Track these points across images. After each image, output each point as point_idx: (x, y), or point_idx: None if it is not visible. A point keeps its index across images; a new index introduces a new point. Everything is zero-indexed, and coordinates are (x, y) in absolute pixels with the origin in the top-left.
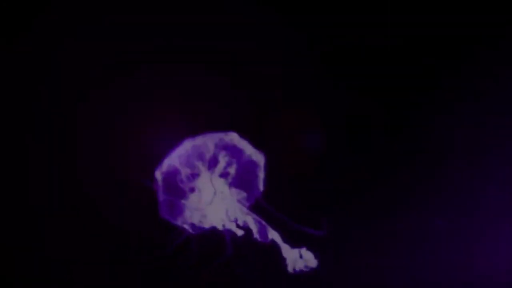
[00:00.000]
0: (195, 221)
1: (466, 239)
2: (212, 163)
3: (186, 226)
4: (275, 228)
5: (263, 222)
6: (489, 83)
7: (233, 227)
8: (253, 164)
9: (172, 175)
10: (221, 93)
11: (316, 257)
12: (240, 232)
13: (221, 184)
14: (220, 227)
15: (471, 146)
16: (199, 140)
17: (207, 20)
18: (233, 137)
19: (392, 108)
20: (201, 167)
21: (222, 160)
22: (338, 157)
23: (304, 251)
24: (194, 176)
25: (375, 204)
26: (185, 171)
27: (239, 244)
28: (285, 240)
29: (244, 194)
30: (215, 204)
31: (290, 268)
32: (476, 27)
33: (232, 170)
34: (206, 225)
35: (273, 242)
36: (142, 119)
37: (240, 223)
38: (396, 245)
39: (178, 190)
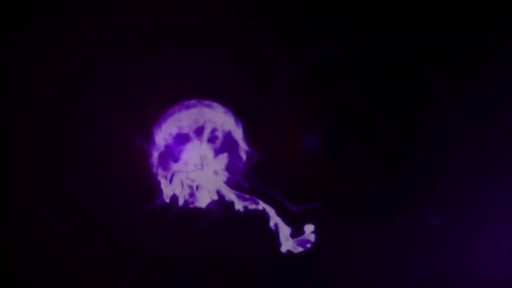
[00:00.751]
0: (182, 188)
1: (465, 239)
2: (198, 130)
3: (172, 190)
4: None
5: (247, 196)
6: (489, 83)
7: (219, 197)
8: (233, 138)
9: (162, 139)
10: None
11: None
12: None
13: (208, 151)
14: (206, 197)
15: (471, 147)
16: (188, 105)
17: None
18: (216, 108)
19: (392, 108)
20: (190, 133)
21: (208, 126)
22: (337, 157)
23: (307, 227)
24: (183, 141)
25: (374, 204)
26: (174, 136)
27: (226, 216)
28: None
29: (227, 163)
30: (202, 171)
31: (284, 247)
32: (474, 26)
33: (219, 134)
34: (193, 192)
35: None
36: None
37: (225, 195)
38: (395, 246)
39: (167, 153)
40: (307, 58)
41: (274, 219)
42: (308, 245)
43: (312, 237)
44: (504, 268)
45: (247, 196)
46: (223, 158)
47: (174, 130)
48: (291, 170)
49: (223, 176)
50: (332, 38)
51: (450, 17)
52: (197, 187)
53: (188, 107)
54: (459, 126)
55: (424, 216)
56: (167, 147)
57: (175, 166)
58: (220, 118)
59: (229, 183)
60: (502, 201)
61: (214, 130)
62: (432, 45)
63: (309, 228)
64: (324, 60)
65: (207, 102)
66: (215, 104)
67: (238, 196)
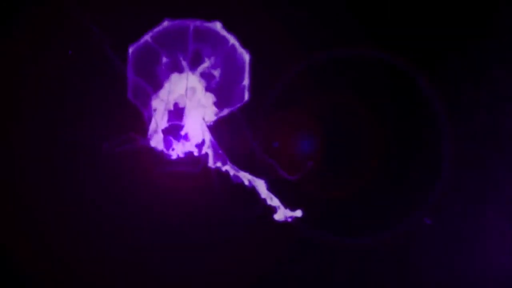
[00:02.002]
0: (160, 113)
1: (466, 239)
2: (194, 59)
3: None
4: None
5: (220, 152)
6: (488, 83)
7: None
8: (237, 61)
9: (147, 55)
10: None
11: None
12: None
13: (197, 83)
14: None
15: (470, 147)
16: (179, 22)
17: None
18: (217, 26)
19: (391, 109)
20: (181, 59)
21: (207, 60)
22: (336, 159)
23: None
24: (171, 64)
25: (373, 204)
26: (162, 56)
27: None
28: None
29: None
30: (184, 102)
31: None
32: (473, 26)
33: (216, 73)
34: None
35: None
36: None
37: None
38: (393, 246)
39: (150, 73)
40: (307, 60)
41: (246, 177)
42: (288, 220)
43: (291, 216)
44: (505, 268)
45: (221, 152)
46: (218, 92)
47: (160, 54)
48: (289, 170)
49: (210, 114)
50: (332, 40)
51: (450, 17)
52: (180, 123)
53: (178, 23)
54: (458, 127)
55: (422, 216)
56: (148, 71)
57: (157, 95)
58: (220, 38)
59: (214, 128)
60: (502, 201)
61: (213, 61)
62: (431, 45)
63: (296, 212)
64: (324, 61)
65: (208, 23)
66: (218, 24)
67: (215, 151)
